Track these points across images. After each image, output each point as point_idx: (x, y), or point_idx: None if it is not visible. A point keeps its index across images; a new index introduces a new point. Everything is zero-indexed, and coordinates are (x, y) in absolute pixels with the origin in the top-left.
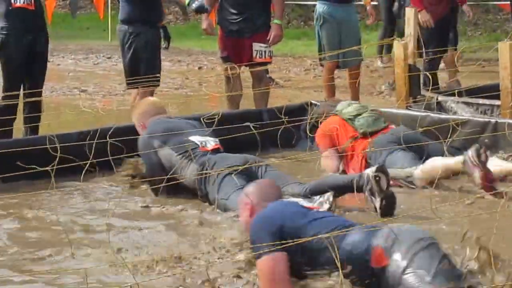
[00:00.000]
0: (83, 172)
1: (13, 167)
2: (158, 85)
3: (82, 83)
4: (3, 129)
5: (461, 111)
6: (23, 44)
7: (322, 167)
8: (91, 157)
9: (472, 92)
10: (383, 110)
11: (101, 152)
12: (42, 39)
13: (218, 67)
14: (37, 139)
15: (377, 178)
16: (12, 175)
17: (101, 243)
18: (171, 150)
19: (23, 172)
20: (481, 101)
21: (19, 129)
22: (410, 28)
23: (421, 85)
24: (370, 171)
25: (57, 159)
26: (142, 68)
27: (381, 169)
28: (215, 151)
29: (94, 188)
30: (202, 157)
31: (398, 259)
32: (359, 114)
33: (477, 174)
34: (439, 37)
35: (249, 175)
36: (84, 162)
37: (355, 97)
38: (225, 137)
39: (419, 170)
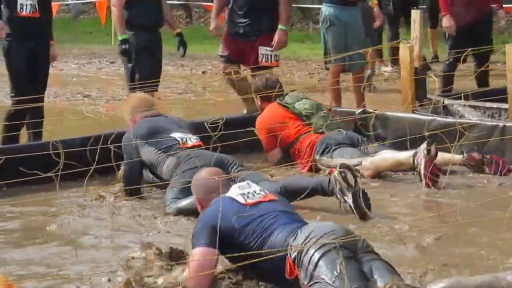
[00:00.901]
0: (86, 178)
1: (17, 173)
2: (156, 90)
3: (86, 88)
4: (11, 134)
5: (468, 114)
6: (26, 50)
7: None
8: (94, 163)
9: (479, 95)
10: (389, 113)
11: (104, 157)
12: (45, 45)
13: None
14: (40, 145)
15: (343, 174)
16: (15, 181)
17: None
18: (151, 146)
19: (26, 178)
20: (488, 104)
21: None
22: (416, 30)
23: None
24: (335, 172)
25: (61, 164)
26: (139, 72)
27: (345, 166)
28: (195, 148)
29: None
30: (180, 152)
31: (304, 270)
32: (316, 113)
33: (422, 166)
34: (464, 42)
35: None
36: (87, 168)
37: (360, 100)
38: (229, 142)
39: (368, 162)
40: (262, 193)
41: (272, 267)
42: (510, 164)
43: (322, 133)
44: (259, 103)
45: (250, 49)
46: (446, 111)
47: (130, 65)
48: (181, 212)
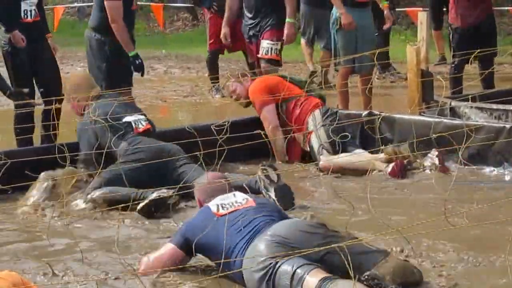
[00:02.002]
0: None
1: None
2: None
3: None
4: (23, 137)
5: (475, 116)
6: (28, 53)
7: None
8: (100, 167)
9: (486, 97)
10: (395, 115)
11: None
12: (46, 45)
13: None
14: (45, 148)
15: (265, 171)
16: (19, 185)
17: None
18: (109, 132)
19: (28, 182)
20: (495, 106)
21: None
22: (422, 32)
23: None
24: (259, 171)
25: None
26: (114, 75)
27: (268, 165)
28: (146, 132)
29: None
30: (130, 138)
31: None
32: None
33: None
34: (468, 43)
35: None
36: (94, 172)
37: (368, 103)
38: (235, 145)
39: (325, 156)
40: (243, 201)
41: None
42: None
43: (321, 98)
44: (248, 83)
45: (256, 46)
46: (453, 113)
47: (94, 67)
48: (105, 201)
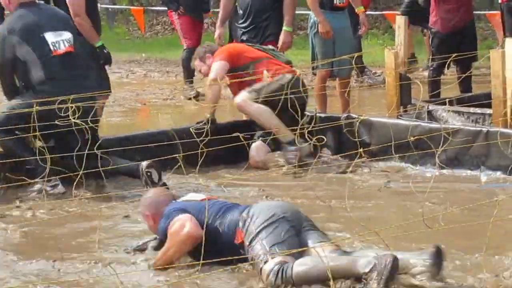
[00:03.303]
0: (74, 183)
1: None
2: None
3: None
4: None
5: (452, 120)
6: None
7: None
8: (82, 169)
9: (463, 100)
10: (373, 119)
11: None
12: None
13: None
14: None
15: (149, 174)
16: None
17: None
18: (27, 46)
19: (13, 184)
20: (472, 110)
21: None
22: (400, 36)
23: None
24: (144, 164)
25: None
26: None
27: (152, 165)
28: (67, 54)
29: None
30: (47, 63)
31: (250, 234)
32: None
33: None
34: (448, 47)
35: None
36: (74, 174)
37: (346, 106)
38: (215, 148)
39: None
40: (205, 196)
41: (224, 238)
42: None
43: (289, 63)
44: (210, 60)
45: None
46: (431, 116)
47: None
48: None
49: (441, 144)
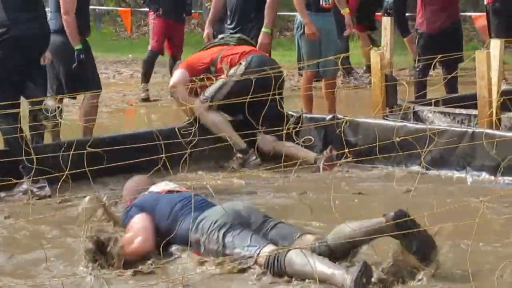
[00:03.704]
0: (59, 183)
1: None
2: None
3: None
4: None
5: (438, 121)
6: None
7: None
8: (67, 169)
9: (449, 101)
10: (359, 119)
11: (78, 163)
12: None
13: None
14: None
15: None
16: None
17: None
18: None
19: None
20: (458, 110)
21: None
22: (386, 37)
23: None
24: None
25: (33, 170)
26: (82, 77)
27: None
28: None
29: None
30: None
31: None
32: None
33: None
34: (434, 49)
35: None
36: (61, 174)
37: (332, 107)
38: (200, 148)
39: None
40: (177, 187)
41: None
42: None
43: (243, 40)
44: None
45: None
46: (417, 117)
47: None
48: None
49: (426, 145)
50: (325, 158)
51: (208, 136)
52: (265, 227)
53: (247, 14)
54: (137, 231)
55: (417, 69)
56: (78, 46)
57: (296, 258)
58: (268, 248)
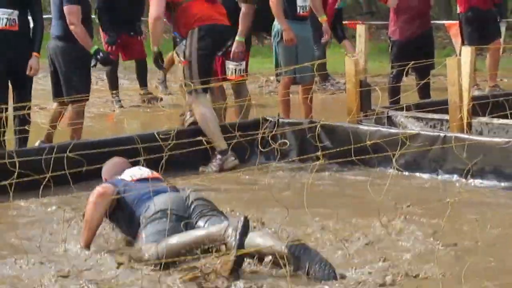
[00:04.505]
0: (41, 187)
1: None
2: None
3: (42, 101)
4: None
5: (411, 125)
6: (4, 61)
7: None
8: (49, 172)
9: (422, 106)
10: (334, 124)
11: (59, 167)
12: (25, 57)
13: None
14: None
15: None
16: None
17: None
18: None
19: None
20: (430, 115)
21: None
22: (361, 44)
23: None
24: None
25: (15, 174)
26: (75, 83)
27: None
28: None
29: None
30: None
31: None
32: None
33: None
34: (406, 56)
35: None
36: (42, 176)
37: (308, 112)
38: (179, 151)
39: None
40: (149, 173)
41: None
42: None
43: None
44: None
45: (220, 62)
46: (390, 122)
47: (64, 75)
48: None
49: (398, 148)
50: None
51: (186, 140)
52: (198, 220)
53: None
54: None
55: (391, 76)
56: (93, 49)
57: (173, 239)
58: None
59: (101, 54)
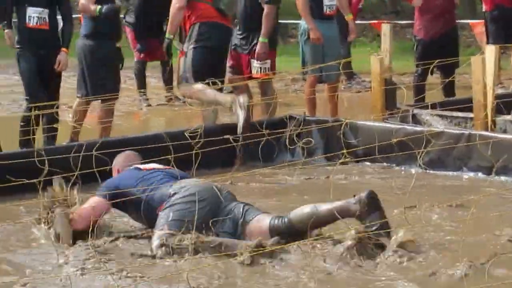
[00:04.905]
0: (69, 184)
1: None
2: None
3: (70, 100)
4: (26, 137)
5: (435, 123)
6: (34, 58)
7: None
8: (77, 170)
9: (447, 104)
10: (360, 122)
11: (87, 165)
12: (54, 55)
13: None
14: (25, 153)
15: None
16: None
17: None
18: None
19: (9, 184)
20: (455, 113)
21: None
22: (386, 43)
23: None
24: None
25: (45, 172)
26: (103, 81)
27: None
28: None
29: None
30: None
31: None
32: None
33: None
34: (431, 54)
35: None
36: (70, 174)
37: (334, 110)
38: (206, 149)
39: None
40: (161, 165)
41: (151, 211)
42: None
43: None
44: None
45: (244, 61)
46: (415, 120)
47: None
48: None
49: (423, 146)
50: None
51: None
52: (227, 207)
53: (254, 22)
54: (85, 208)
55: (416, 74)
56: (96, 11)
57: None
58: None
59: (104, 9)
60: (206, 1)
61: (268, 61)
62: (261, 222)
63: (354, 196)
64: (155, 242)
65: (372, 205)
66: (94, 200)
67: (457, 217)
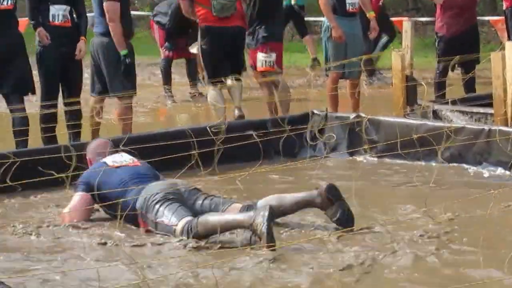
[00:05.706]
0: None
1: (32, 175)
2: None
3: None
4: (49, 135)
5: (456, 119)
6: (57, 56)
7: None
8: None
9: (467, 100)
10: (381, 118)
11: None
12: (75, 50)
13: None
14: (52, 149)
15: None
16: (25, 182)
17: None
18: None
19: (37, 179)
20: (475, 109)
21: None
22: (407, 40)
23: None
24: None
25: (72, 167)
26: (121, 78)
27: None
28: None
29: None
30: None
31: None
32: None
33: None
34: (452, 51)
35: None
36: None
37: (356, 106)
38: (229, 145)
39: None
40: (130, 161)
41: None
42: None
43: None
44: None
45: (253, 56)
46: (436, 116)
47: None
48: None
49: (444, 141)
50: None
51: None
52: (198, 200)
53: (255, 20)
54: (71, 206)
55: (437, 71)
56: (123, 51)
57: (209, 217)
58: (187, 218)
59: (127, 60)
60: (205, 6)
61: (273, 54)
62: (235, 210)
63: (316, 188)
64: (179, 227)
65: (332, 197)
66: (76, 196)
67: (476, 212)
